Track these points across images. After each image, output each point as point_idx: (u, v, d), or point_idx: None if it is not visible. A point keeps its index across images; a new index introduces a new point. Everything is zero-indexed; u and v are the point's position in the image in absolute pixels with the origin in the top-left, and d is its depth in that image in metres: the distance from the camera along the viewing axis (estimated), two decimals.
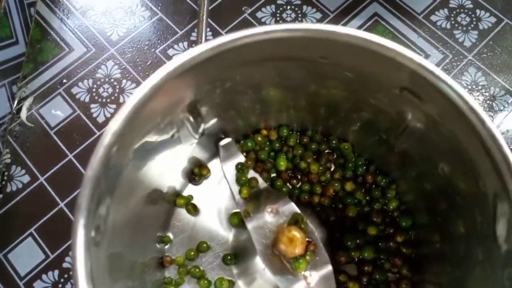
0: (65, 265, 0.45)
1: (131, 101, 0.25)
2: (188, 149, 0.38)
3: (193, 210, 0.41)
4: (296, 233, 0.33)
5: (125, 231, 0.31)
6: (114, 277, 0.28)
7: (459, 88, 0.25)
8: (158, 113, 0.28)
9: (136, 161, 0.29)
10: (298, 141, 0.42)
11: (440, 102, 0.26)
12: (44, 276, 0.44)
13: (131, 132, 0.25)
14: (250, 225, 0.36)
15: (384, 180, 0.40)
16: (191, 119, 0.33)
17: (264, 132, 0.42)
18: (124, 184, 0.28)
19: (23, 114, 0.51)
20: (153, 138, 0.30)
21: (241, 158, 0.42)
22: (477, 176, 0.26)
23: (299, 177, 0.42)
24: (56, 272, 0.45)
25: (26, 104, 0.52)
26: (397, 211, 0.39)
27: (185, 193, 0.42)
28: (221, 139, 0.41)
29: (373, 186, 0.41)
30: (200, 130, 0.36)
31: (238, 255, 0.40)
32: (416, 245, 0.39)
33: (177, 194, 0.41)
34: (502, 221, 0.25)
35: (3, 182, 0.48)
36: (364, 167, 0.41)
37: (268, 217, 0.37)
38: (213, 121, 0.38)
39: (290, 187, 0.42)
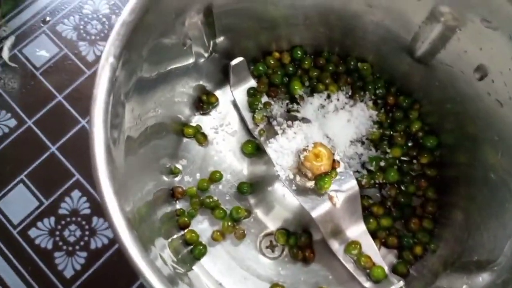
0: (61, 211, 0.45)
1: None
2: (196, 72, 0.38)
3: (203, 139, 0.41)
4: (322, 149, 0.34)
5: (135, 153, 0.31)
6: (131, 184, 0.28)
7: None
8: (173, 6, 0.28)
9: (149, 64, 0.29)
10: (313, 64, 0.42)
11: None
12: (39, 224, 0.44)
13: (146, 20, 0.25)
14: (268, 148, 0.37)
15: (406, 101, 0.41)
16: (205, 26, 0.32)
17: (276, 54, 0.42)
18: (137, 88, 0.28)
19: (5, 54, 0.51)
20: (166, 39, 0.30)
21: (252, 83, 0.42)
22: None
23: None
24: (52, 219, 0.45)
25: (7, 43, 0.51)
26: (421, 131, 0.40)
27: (193, 123, 0.42)
28: (228, 64, 0.40)
29: (395, 107, 0.41)
30: (211, 46, 0.36)
31: (254, 184, 0.40)
32: (441, 167, 0.40)
33: (184, 124, 0.41)
34: None
35: None
36: (385, 89, 0.41)
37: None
38: (223, 38, 0.38)
39: None
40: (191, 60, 0.36)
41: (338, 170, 0.36)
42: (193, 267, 0.37)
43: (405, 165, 0.40)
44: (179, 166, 0.41)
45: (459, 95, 0.36)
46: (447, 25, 0.32)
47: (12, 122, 0.48)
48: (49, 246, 0.44)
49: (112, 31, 0.25)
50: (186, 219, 0.39)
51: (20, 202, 0.45)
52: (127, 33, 0.25)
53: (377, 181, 0.40)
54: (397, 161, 0.40)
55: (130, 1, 0.25)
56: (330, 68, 0.42)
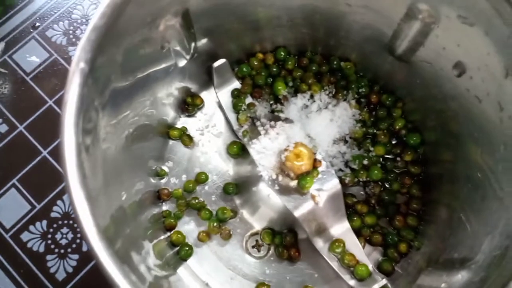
0: (53, 214, 0.45)
1: None
2: (179, 74, 0.39)
3: (189, 141, 0.41)
4: (302, 149, 0.34)
5: (118, 158, 0.31)
6: (109, 192, 0.28)
7: None
8: (148, 9, 0.28)
9: (125, 68, 0.29)
10: (296, 64, 0.42)
11: None
12: (31, 227, 0.45)
13: (118, 24, 0.25)
14: (251, 149, 0.37)
15: (389, 99, 0.41)
16: (183, 29, 0.33)
17: (260, 55, 0.42)
18: (113, 93, 0.28)
19: None
20: (142, 43, 0.30)
21: (236, 84, 0.42)
22: None
23: None
24: (45, 222, 0.45)
25: None
26: (405, 129, 0.40)
27: (179, 126, 0.42)
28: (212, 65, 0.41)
29: (378, 106, 0.41)
30: (192, 48, 0.37)
31: (239, 185, 0.40)
32: (425, 164, 0.40)
33: (169, 126, 0.41)
34: None
35: None
36: (368, 88, 0.41)
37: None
38: (204, 40, 0.38)
39: None
40: (171, 63, 0.36)
41: (320, 169, 0.36)
42: (178, 270, 0.37)
43: (388, 163, 0.40)
44: (165, 168, 0.41)
45: (441, 92, 0.35)
46: (425, 22, 0.32)
47: (3, 128, 0.48)
48: (41, 249, 0.44)
49: (83, 36, 0.25)
50: (172, 220, 0.39)
51: (12, 206, 0.46)
52: (98, 38, 0.25)
53: (360, 179, 0.40)
54: (380, 159, 0.40)
55: (101, 4, 0.25)
56: (313, 68, 0.42)
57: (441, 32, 0.32)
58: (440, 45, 0.33)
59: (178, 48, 0.35)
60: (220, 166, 0.42)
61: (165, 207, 0.40)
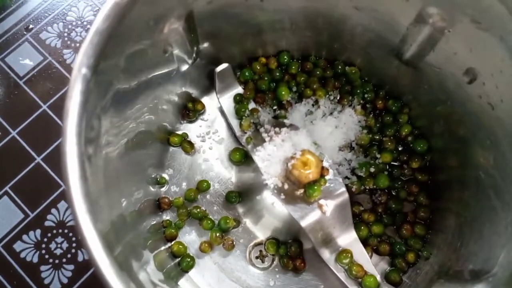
0: (47, 223, 0.43)
1: None
2: (181, 79, 0.37)
3: (190, 148, 0.39)
4: (310, 157, 0.33)
5: (118, 165, 0.29)
6: (109, 198, 0.26)
7: None
8: (151, 12, 0.26)
9: (127, 73, 0.27)
10: (300, 69, 0.41)
11: None
12: (24, 237, 0.43)
13: (121, 27, 0.23)
14: (256, 156, 0.35)
15: (395, 104, 0.39)
16: (187, 33, 0.31)
17: (263, 60, 0.40)
18: (115, 98, 0.26)
19: None
20: (145, 47, 0.28)
21: (239, 90, 0.40)
22: None
23: None
24: (38, 231, 0.43)
25: None
26: (411, 135, 0.39)
27: (179, 132, 0.40)
28: (214, 70, 0.39)
29: (384, 112, 0.40)
30: (194, 52, 0.35)
31: (242, 193, 0.39)
32: (432, 171, 0.38)
33: (169, 132, 0.39)
34: None
35: None
36: (373, 93, 0.40)
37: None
38: (207, 44, 0.36)
39: None
40: (173, 67, 0.34)
41: (327, 177, 0.34)
42: (180, 282, 0.35)
43: (395, 170, 0.39)
44: (165, 176, 0.39)
45: (449, 98, 0.34)
46: (436, 26, 0.31)
47: None
48: (35, 260, 0.42)
49: (85, 40, 0.23)
50: (173, 230, 0.37)
51: (5, 214, 0.43)
52: (101, 41, 0.23)
53: (367, 187, 0.38)
54: (387, 167, 0.39)
55: (104, 7, 0.23)
56: (318, 72, 0.40)
57: (453, 37, 0.31)
58: (451, 50, 0.31)
59: (180, 52, 0.33)
60: (222, 174, 0.40)
61: (165, 216, 0.38)
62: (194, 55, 0.35)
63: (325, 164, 0.34)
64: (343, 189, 0.34)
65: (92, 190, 0.23)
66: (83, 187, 0.22)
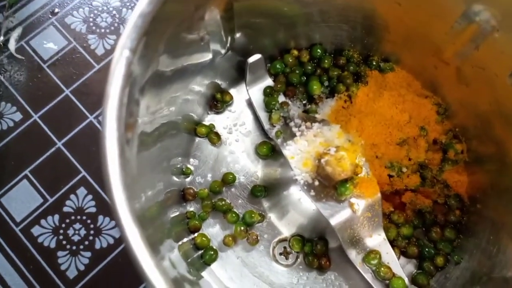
0: (66, 209, 0.42)
1: None
2: (212, 69, 0.36)
3: (217, 139, 0.38)
4: (344, 154, 0.31)
5: (148, 153, 0.28)
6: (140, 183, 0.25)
7: None
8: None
9: (165, 59, 0.26)
10: (333, 63, 0.39)
11: None
12: (43, 221, 0.42)
13: (164, 11, 0.22)
14: (286, 151, 0.34)
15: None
16: (224, 21, 0.30)
17: (295, 52, 0.39)
18: (152, 83, 0.25)
19: (11, 45, 0.48)
20: (184, 33, 0.27)
21: (269, 82, 0.39)
22: None
23: None
24: (57, 216, 0.42)
25: (14, 35, 0.48)
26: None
27: (206, 123, 0.39)
28: (244, 62, 0.38)
29: None
30: (229, 42, 0.34)
31: (268, 187, 0.37)
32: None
33: (196, 123, 0.38)
34: None
35: None
36: None
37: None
38: (240, 35, 0.35)
39: None
40: (208, 57, 0.33)
41: (360, 175, 0.33)
42: (203, 273, 0.34)
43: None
44: (190, 167, 0.38)
45: (491, 99, 0.33)
46: (484, 24, 0.30)
47: (18, 116, 0.45)
48: (52, 245, 0.41)
49: (129, 22, 0.22)
50: (196, 222, 0.36)
51: (24, 198, 0.42)
52: (145, 25, 0.22)
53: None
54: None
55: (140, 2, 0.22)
56: (351, 68, 0.39)
57: (501, 35, 0.29)
58: (498, 50, 0.30)
59: (216, 41, 0.32)
60: (248, 167, 0.39)
61: (189, 207, 0.37)
62: (228, 45, 0.34)
63: (359, 162, 0.33)
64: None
65: (128, 173, 0.22)
66: (123, 174, 0.21)
